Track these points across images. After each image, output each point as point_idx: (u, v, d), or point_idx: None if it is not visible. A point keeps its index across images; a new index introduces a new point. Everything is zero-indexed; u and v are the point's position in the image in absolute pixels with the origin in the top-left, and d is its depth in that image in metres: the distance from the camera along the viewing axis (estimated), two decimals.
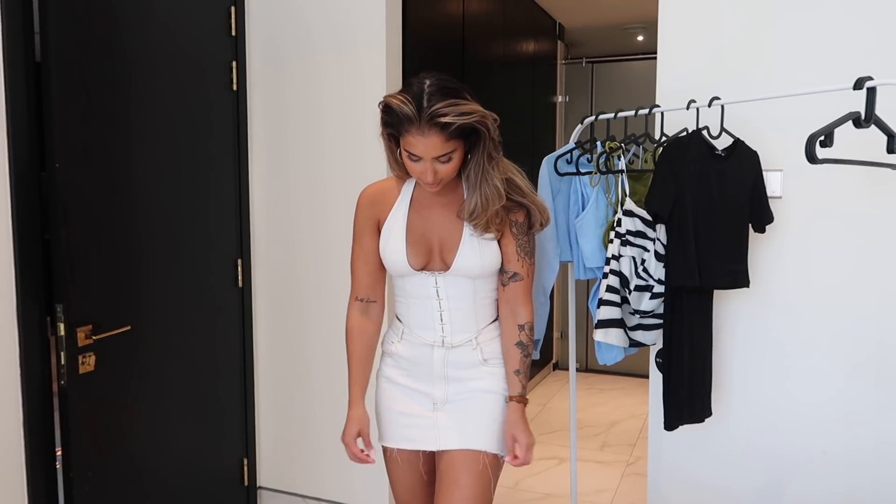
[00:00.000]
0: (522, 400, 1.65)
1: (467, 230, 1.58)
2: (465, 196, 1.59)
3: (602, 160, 2.03)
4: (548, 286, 2.11)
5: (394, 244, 1.61)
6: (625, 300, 1.95)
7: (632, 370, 4.52)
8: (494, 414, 1.65)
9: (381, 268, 1.69)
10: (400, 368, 1.70)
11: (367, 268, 1.69)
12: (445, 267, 1.60)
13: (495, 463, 1.64)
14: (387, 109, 1.47)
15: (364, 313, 1.74)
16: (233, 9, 2.57)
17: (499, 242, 1.61)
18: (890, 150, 1.60)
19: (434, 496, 1.67)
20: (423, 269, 1.61)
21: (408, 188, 1.65)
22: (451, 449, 1.63)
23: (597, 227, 2.01)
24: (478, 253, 1.58)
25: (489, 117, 1.47)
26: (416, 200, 1.63)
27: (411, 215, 1.62)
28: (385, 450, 1.75)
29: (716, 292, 2.03)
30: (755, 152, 1.95)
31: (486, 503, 1.62)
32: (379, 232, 1.64)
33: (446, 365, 1.64)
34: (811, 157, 1.45)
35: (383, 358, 1.75)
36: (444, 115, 1.40)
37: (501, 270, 1.64)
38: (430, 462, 1.72)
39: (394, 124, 1.47)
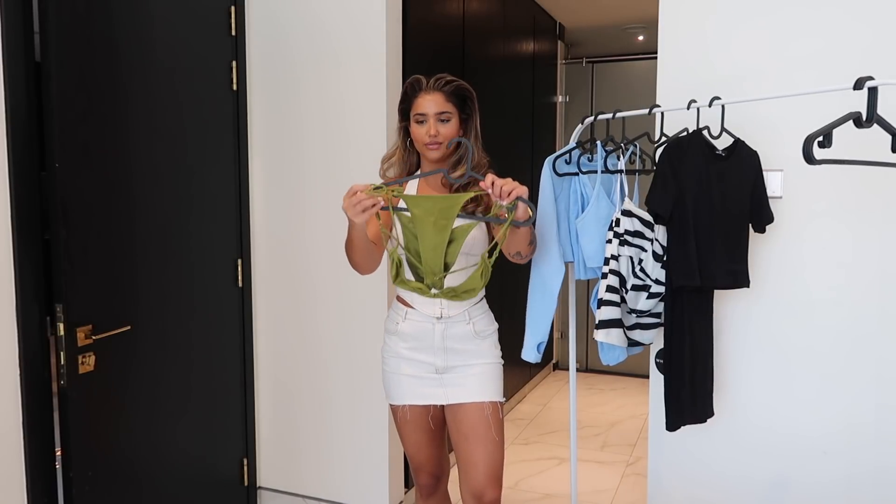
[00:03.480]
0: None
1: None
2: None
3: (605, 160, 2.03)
4: (554, 288, 2.10)
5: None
6: (623, 300, 1.95)
7: (632, 370, 4.52)
8: (489, 376, 1.93)
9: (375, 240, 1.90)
10: (405, 342, 1.93)
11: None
12: None
13: (495, 409, 1.92)
14: (407, 87, 1.89)
15: None
16: (233, 9, 2.57)
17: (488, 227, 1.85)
18: (895, 150, 1.60)
19: (454, 444, 1.94)
20: None
21: (411, 186, 1.92)
22: (458, 402, 1.90)
23: (597, 226, 2.01)
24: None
25: (474, 93, 1.89)
26: (421, 189, 1.92)
27: None
28: (396, 409, 1.99)
29: (716, 292, 2.03)
30: (755, 152, 1.95)
31: (501, 439, 1.92)
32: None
33: (445, 338, 1.89)
34: (808, 158, 1.45)
35: (388, 337, 1.99)
36: (445, 78, 1.87)
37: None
38: (438, 417, 1.97)
39: (408, 98, 1.88)
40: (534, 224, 1.74)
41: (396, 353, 1.95)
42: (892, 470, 2.01)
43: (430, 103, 1.84)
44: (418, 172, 1.92)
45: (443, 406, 1.95)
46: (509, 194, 1.60)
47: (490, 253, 1.73)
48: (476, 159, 1.85)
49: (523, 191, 1.61)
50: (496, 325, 2.00)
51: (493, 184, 1.61)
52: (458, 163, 1.86)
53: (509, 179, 1.62)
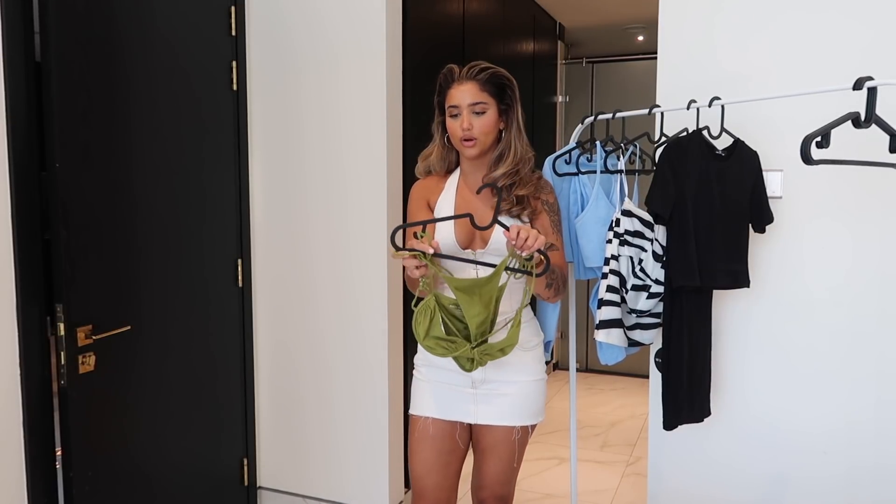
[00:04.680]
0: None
1: (502, 216, 1.74)
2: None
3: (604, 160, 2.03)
4: None
5: (444, 227, 1.75)
6: (623, 300, 1.95)
7: (632, 370, 4.52)
8: (528, 396, 1.81)
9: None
10: None
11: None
12: (484, 244, 1.75)
13: (525, 432, 1.83)
14: (440, 78, 1.77)
15: None
16: (233, 9, 2.57)
17: (532, 224, 1.78)
18: (893, 150, 1.60)
19: (473, 451, 1.87)
20: (466, 248, 1.76)
21: (453, 180, 1.85)
22: (488, 424, 1.80)
23: (596, 226, 2.01)
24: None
25: (514, 81, 1.77)
26: (461, 188, 1.83)
27: (458, 201, 1.80)
28: (416, 421, 1.84)
29: (715, 292, 2.03)
30: (755, 152, 1.95)
31: (517, 467, 1.86)
32: (431, 210, 1.83)
33: None
34: (806, 159, 1.45)
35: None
36: (479, 66, 1.75)
37: None
38: (466, 437, 1.85)
39: (442, 90, 1.77)
40: (547, 270, 1.61)
41: (430, 362, 1.82)
42: (892, 466, 2.01)
43: (464, 94, 1.71)
44: (445, 216, 1.74)
45: (471, 425, 1.83)
46: (531, 248, 1.53)
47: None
48: (520, 154, 1.76)
49: (542, 242, 1.54)
50: (542, 336, 1.88)
51: (517, 235, 1.53)
52: (499, 159, 1.76)
53: (532, 231, 1.54)
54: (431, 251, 1.54)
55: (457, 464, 1.86)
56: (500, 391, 1.79)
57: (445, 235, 1.73)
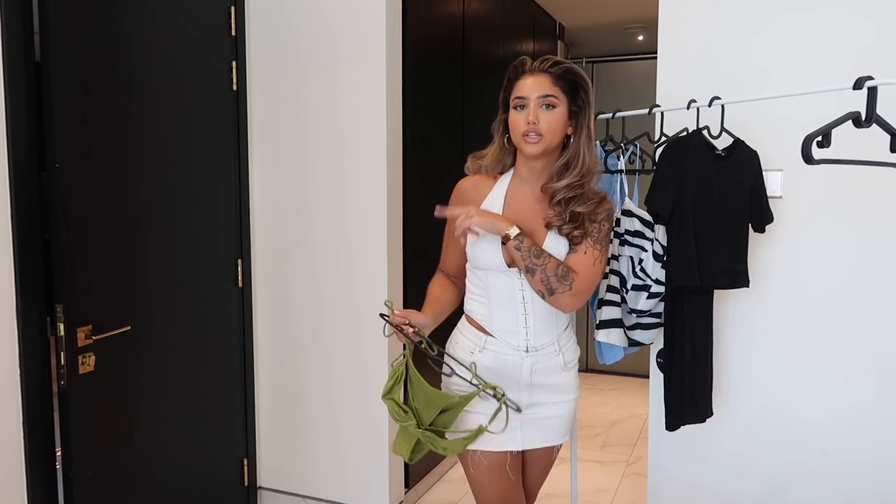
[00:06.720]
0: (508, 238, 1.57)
1: (552, 232, 1.61)
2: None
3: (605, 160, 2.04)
4: None
5: (489, 239, 1.60)
6: (624, 300, 1.95)
7: (632, 370, 4.52)
8: (570, 416, 1.77)
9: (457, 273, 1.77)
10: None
11: (455, 246, 1.73)
12: None
13: (560, 448, 1.83)
14: (510, 71, 1.62)
15: (448, 279, 1.80)
16: (233, 9, 2.57)
17: (571, 245, 1.62)
18: (893, 150, 1.60)
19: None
20: (511, 266, 1.62)
21: (501, 186, 1.67)
22: (533, 448, 1.74)
23: None
24: (563, 248, 1.60)
25: (589, 83, 1.61)
26: (511, 195, 1.65)
27: (505, 213, 1.63)
28: (467, 455, 1.69)
29: (716, 292, 2.03)
30: (755, 152, 1.95)
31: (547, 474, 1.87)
32: None
33: (533, 373, 1.66)
34: (807, 158, 1.45)
35: (458, 367, 1.67)
36: (553, 59, 1.59)
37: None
38: (516, 465, 1.73)
39: (510, 84, 1.61)
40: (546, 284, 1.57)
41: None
42: (891, 459, 2.01)
43: (534, 86, 1.55)
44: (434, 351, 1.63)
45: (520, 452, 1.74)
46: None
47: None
48: (587, 166, 1.59)
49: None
50: (579, 352, 1.79)
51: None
52: (565, 168, 1.59)
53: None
54: (413, 339, 1.56)
55: (521, 484, 1.78)
56: (546, 414, 1.70)
57: (492, 253, 1.61)
